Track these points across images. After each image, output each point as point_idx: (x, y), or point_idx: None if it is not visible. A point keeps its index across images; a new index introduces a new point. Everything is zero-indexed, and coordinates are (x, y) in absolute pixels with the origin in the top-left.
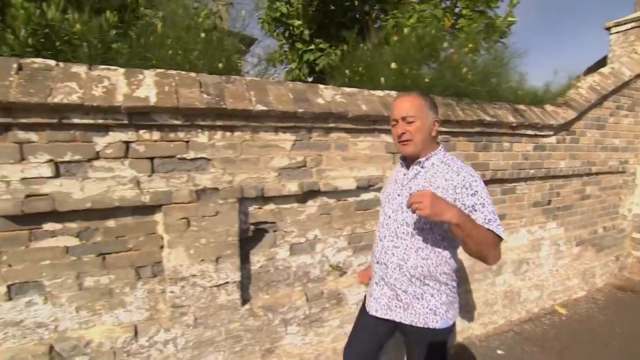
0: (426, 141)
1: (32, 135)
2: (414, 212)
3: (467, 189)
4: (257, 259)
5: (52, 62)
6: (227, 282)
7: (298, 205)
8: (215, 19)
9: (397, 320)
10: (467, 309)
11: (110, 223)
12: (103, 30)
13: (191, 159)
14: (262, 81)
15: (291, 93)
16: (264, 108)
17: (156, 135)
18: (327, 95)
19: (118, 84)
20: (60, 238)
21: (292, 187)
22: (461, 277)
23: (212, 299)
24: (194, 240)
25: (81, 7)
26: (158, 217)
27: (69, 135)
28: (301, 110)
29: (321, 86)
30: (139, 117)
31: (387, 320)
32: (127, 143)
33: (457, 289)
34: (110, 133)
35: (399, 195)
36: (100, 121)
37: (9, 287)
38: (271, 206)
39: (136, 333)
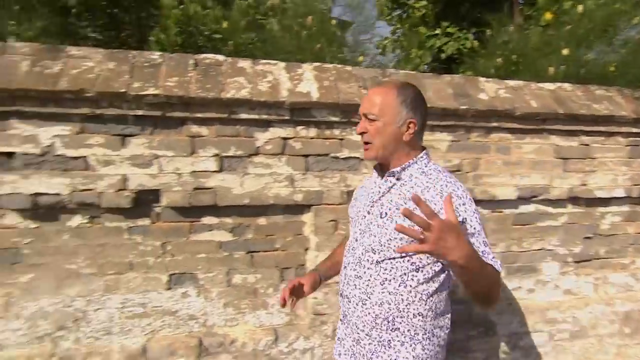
0: (390, 146)
1: (203, 130)
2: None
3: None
4: None
5: (221, 57)
6: None
7: None
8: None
9: None
10: None
11: (262, 220)
12: (239, 26)
13: (344, 158)
14: (418, 74)
15: (450, 87)
16: None
17: (313, 132)
18: (490, 90)
19: (281, 79)
20: (215, 232)
21: None
22: None
23: None
24: None
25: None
26: (306, 217)
27: (234, 130)
28: (463, 107)
29: (481, 79)
30: (299, 112)
31: None
32: (285, 139)
33: (444, 342)
34: (270, 129)
35: (368, 213)
36: (264, 116)
37: (170, 276)
38: None
39: (277, 337)
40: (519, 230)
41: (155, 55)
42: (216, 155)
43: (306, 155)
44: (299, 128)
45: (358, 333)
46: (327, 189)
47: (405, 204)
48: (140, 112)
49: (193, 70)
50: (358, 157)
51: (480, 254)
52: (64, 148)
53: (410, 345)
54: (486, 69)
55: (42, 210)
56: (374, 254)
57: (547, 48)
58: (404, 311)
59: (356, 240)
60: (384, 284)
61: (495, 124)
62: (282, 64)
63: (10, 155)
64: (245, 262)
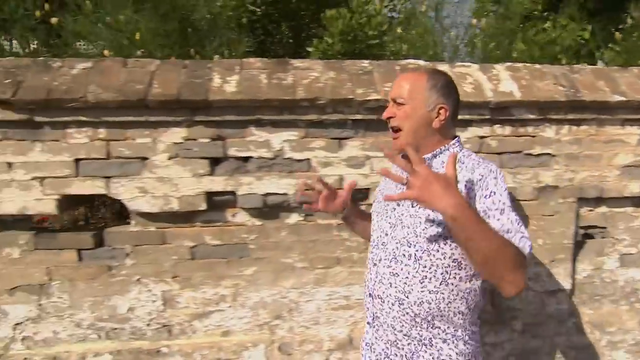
0: (421, 131)
1: None
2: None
3: (481, 188)
4: (583, 267)
5: (422, 62)
6: (557, 290)
7: (633, 209)
8: None
9: None
10: None
11: None
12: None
13: (536, 155)
14: (606, 69)
15: None
16: (622, 99)
17: (508, 130)
18: None
19: (481, 80)
20: None
21: (634, 188)
22: None
23: (542, 306)
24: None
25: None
26: None
27: None
28: None
29: None
30: (499, 111)
31: None
32: (482, 138)
33: (479, 340)
34: (470, 128)
35: (398, 205)
36: (466, 117)
37: None
38: (603, 209)
39: None
40: None
41: (365, 63)
42: None
43: (500, 153)
44: (495, 127)
45: (395, 334)
46: (520, 185)
47: None
48: (359, 117)
49: None
50: (549, 154)
51: (506, 231)
52: (291, 151)
53: (453, 342)
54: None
55: (267, 209)
56: (410, 246)
57: None
58: (444, 310)
59: (386, 234)
60: (423, 282)
61: None
62: (476, 66)
63: (246, 159)
64: None
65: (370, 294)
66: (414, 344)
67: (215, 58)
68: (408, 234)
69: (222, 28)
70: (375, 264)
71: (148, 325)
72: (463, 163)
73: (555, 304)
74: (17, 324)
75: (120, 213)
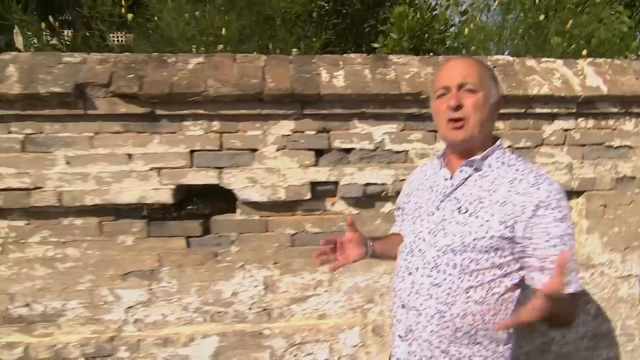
0: (487, 126)
1: (500, 124)
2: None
3: (553, 209)
4: None
5: (510, 58)
6: (630, 275)
7: None
8: None
9: None
10: None
11: None
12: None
13: (616, 147)
14: None
15: None
16: None
17: (591, 123)
18: None
19: (568, 75)
20: None
21: None
22: None
23: (615, 291)
24: (608, 229)
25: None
26: (573, 203)
27: (525, 123)
28: None
29: None
30: (584, 105)
31: None
32: (566, 131)
33: (514, 354)
34: (556, 121)
35: (437, 209)
36: (555, 110)
37: None
38: None
39: None
40: None
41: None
42: (509, 146)
43: (583, 145)
44: (579, 120)
45: (431, 350)
46: (600, 175)
47: (491, 196)
48: None
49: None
50: (628, 146)
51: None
52: (391, 144)
53: None
54: None
55: (364, 198)
56: (456, 255)
57: None
58: (489, 322)
59: (423, 240)
60: (468, 291)
61: None
62: (560, 61)
63: (348, 151)
64: None
65: (403, 305)
66: None
67: (294, 52)
68: (453, 242)
69: (294, 23)
70: (410, 273)
71: (250, 308)
72: (517, 169)
73: (627, 288)
74: (129, 307)
75: (211, 201)
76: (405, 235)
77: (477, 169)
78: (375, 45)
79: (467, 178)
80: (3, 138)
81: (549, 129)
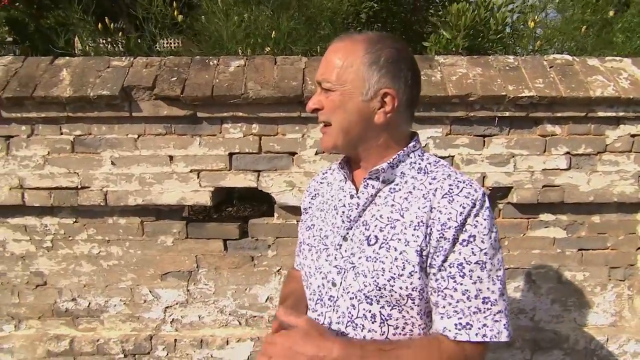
0: (356, 130)
1: (557, 129)
2: None
3: (459, 227)
4: None
5: (570, 57)
6: None
7: None
8: None
9: None
10: None
11: (595, 218)
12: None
13: None
14: None
15: None
16: None
17: None
18: None
19: (637, 75)
20: (551, 229)
21: None
22: None
23: None
24: None
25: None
26: None
27: (585, 128)
28: None
29: None
30: None
31: None
32: (633, 136)
33: None
34: (621, 126)
35: (344, 239)
36: (620, 113)
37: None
38: None
39: (607, 338)
40: None
41: (510, 59)
42: (567, 153)
43: None
44: None
45: None
46: None
47: (403, 217)
48: (507, 114)
49: (551, 71)
50: None
51: (482, 301)
52: (435, 148)
53: None
54: None
55: None
56: (372, 304)
57: None
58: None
59: (333, 284)
60: (384, 335)
61: None
62: (628, 60)
63: None
64: (575, 259)
65: None
66: None
67: None
68: (366, 286)
69: (342, 24)
70: (328, 325)
71: None
72: (434, 177)
73: None
74: (167, 307)
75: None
76: (309, 274)
77: (385, 182)
78: (426, 44)
79: (375, 195)
80: (55, 139)
81: (614, 134)
